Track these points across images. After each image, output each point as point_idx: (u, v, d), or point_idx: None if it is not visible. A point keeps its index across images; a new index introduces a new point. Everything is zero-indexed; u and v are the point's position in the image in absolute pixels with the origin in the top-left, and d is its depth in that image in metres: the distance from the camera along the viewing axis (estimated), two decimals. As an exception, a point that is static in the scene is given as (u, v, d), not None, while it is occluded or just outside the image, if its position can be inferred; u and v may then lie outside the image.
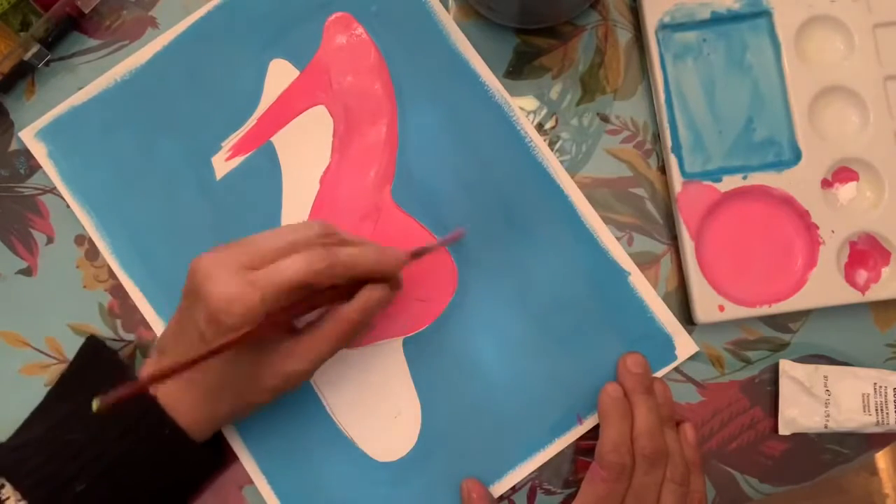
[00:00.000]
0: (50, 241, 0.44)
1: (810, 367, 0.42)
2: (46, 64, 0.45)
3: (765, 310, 0.41)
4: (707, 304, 0.41)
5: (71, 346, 0.43)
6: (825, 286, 0.41)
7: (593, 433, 0.42)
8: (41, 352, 0.43)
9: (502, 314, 0.42)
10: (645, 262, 0.43)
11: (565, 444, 0.42)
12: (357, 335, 0.37)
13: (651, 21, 0.43)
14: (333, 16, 0.45)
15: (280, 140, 0.44)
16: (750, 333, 0.43)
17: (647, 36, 0.43)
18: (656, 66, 0.43)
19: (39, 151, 0.44)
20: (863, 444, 0.43)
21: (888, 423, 0.41)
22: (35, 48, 0.43)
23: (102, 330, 0.43)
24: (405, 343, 0.42)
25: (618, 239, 0.43)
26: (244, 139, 0.44)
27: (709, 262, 0.42)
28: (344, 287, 0.36)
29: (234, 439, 0.42)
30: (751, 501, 0.43)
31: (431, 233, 0.43)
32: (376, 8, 0.44)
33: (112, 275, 0.43)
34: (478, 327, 0.42)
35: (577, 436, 0.42)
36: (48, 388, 0.42)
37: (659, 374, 0.42)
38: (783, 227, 0.42)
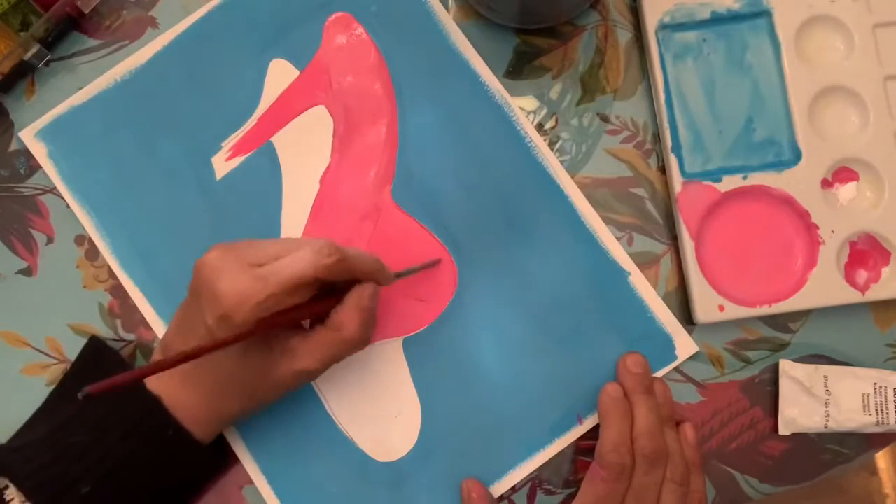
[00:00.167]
0: (50, 241, 0.44)
1: (810, 367, 0.42)
2: (46, 64, 0.45)
3: (765, 310, 0.41)
4: (707, 304, 0.41)
5: (71, 347, 0.43)
6: (825, 286, 0.41)
7: (593, 433, 0.42)
8: (41, 352, 0.43)
9: (502, 314, 0.42)
10: (645, 262, 0.43)
11: (565, 444, 0.42)
12: (366, 336, 0.36)
13: (651, 21, 0.43)
14: (333, 16, 0.45)
15: (280, 140, 0.44)
16: (750, 333, 0.43)
17: (647, 36, 0.43)
18: (656, 66, 0.43)
19: (39, 151, 0.44)
20: (863, 444, 0.43)
21: (888, 423, 0.41)
22: (35, 48, 0.43)
23: (102, 330, 0.43)
24: (405, 343, 0.42)
25: (618, 239, 0.43)
26: (244, 139, 0.44)
27: (709, 262, 0.42)
28: (335, 299, 0.36)
29: (234, 440, 0.42)
30: (751, 501, 0.43)
31: (431, 233, 0.43)
32: (376, 8, 0.44)
33: (112, 275, 0.43)
34: (478, 327, 0.42)
35: (577, 436, 0.42)
36: (49, 389, 0.42)
37: (659, 374, 0.42)
38: (783, 227, 0.42)
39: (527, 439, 0.42)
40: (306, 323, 0.38)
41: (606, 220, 0.43)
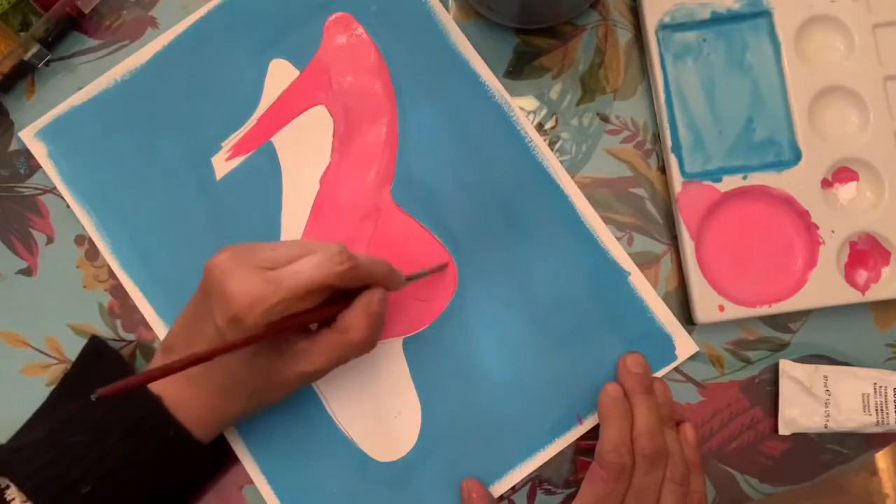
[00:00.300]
0: (50, 241, 0.44)
1: (810, 367, 0.42)
2: (46, 64, 0.45)
3: (765, 310, 0.41)
4: (707, 304, 0.41)
5: (71, 346, 0.43)
6: (825, 286, 0.41)
7: (593, 433, 0.42)
8: (41, 352, 0.43)
9: (502, 314, 0.42)
10: (645, 262, 0.43)
11: (565, 444, 0.42)
12: (373, 340, 0.36)
13: (651, 21, 0.43)
14: (333, 16, 0.45)
15: (280, 140, 0.44)
16: (750, 333, 0.43)
17: (647, 36, 0.43)
18: (656, 66, 0.43)
19: (39, 151, 0.44)
20: (863, 444, 0.43)
21: (888, 423, 0.41)
22: (35, 48, 0.43)
23: (102, 330, 0.43)
24: (405, 343, 0.42)
25: (618, 239, 0.43)
26: (244, 139, 0.44)
27: (709, 262, 0.42)
28: (344, 304, 0.36)
29: (234, 440, 0.42)
30: (751, 501, 0.43)
31: (431, 233, 0.43)
32: (376, 8, 0.44)
33: (112, 275, 0.43)
34: (478, 327, 0.42)
35: (577, 436, 0.42)
36: (49, 389, 0.42)
37: (659, 374, 0.42)
38: (783, 227, 0.42)
39: (527, 439, 0.42)
40: (313, 325, 0.38)
41: (606, 220, 0.43)
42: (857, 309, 0.43)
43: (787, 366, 0.42)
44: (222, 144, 0.44)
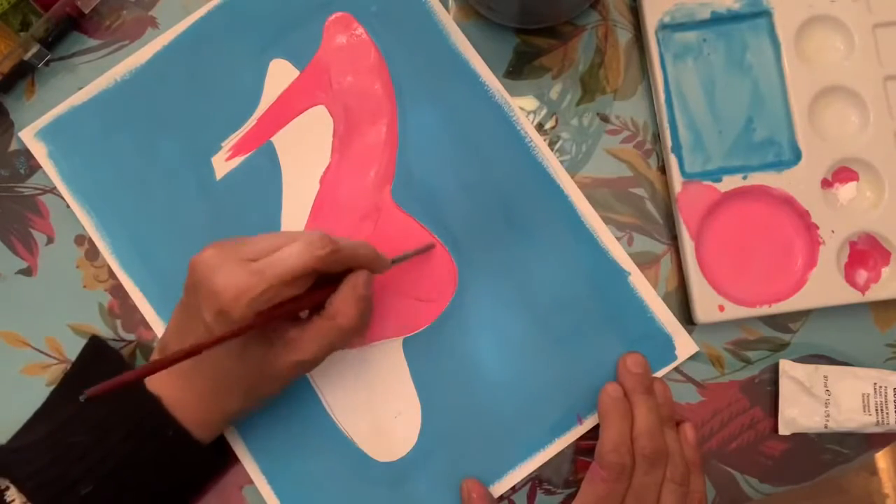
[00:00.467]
0: (50, 241, 0.44)
1: (810, 367, 0.42)
2: (46, 64, 0.45)
3: (765, 310, 0.41)
4: (707, 304, 0.41)
5: (71, 347, 0.43)
6: (825, 286, 0.41)
7: (593, 433, 0.42)
8: (41, 352, 0.43)
9: (502, 314, 0.42)
10: (645, 262, 0.43)
11: (565, 444, 0.42)
12: (363, 324, 0.37)
13: (651, 21, 0.43)
14: (333, 16, 0.45)
15: (280, 140, 0.44)
16: (750, 333, 0.43)
17: (647, 36, 0.43)
18: (656, 66, 0.43)
19: (39, 151, 0.44)
20: (863, 444, 0.43)
21: (888, 423, 0.41)
22: (35, 48, 0.43)
23: (102, 330, 0.43)
24: (405, 343, 0.42)
25: (618, 239, 0.43)
26: (244, 139, 0.44)
27: (709, 262, 0.42)
28: (331, 289, 0.36)
29: (234, 439, 0.42)
30: (751, 501, 0.43)
31: (431, 233, 0.43)
32: (376, 8, 0.44)
33: (112, 275, 0.43)
34: (478, 327, 0.42)
35: (577, 436, 0.42)
36: (49, 389, 0.42)
37: (659, 374, 0.42)
38: (783, 227, 0.42)
39: (527, 439, 0.42)
40: (304, 313, 0.38)
41: (606, 220, 0.43)
42: (857, 309, 0.43)
43: (787, 366, 0.42)
44: (222, 144, 0.44)
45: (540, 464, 0.42)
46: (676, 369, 0.43)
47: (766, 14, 0.43)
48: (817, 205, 0.41)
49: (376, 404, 0.42)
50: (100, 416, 0.35)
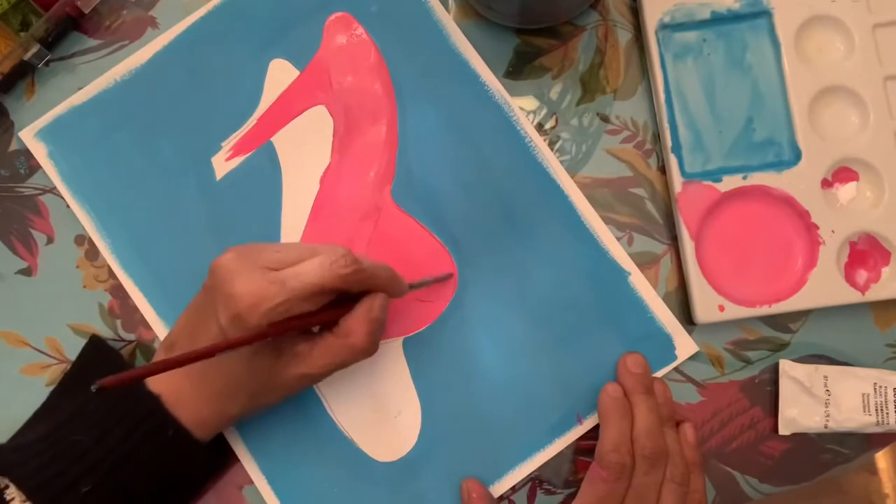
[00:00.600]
0: (50, 241, 0.44)
1: (810, 367, 0.42)
2: (46, 64, 0.45)
3: (765, 310, 0.41)
4: (707, 304, 0.41)
5: (71, 347, 0.43)
6: (825, 286, 0.41)
7: (593, 433, 0.42)
8: (41, 352, 0.43)
9: (502, 314, 0.42)
10: (645, 262, 0.43)
11: (565, 444, 0.42)
12: (373, 346, 0.36)
13: (651, 21, 0.43)
14: (333, 16, 0.45)
15: (280, 140, 0.44)
16: (750, 333, 0.43)
17: (647, 36, 0.43)
18: (656, 66, 0.43)
19: (39, 151, 0.44)
20: (863, 444, 0.43)
21: (888, 423, 0.41)
22: (35, 48, 0.43)
23: (102, 330, 0.43)
24: (405, 343, 0.42)
25: (618, 239, 0.43)
26: (244, 139, 0.44)
27: (709, 262, 0.42)
28: (346, 308, 0.36)
29: (234, 439, 0.42)
30: (751, 501, 0.43)
31: (431, 233, 0.43)
32: (376, 8, 0.44)
33: (112, 275, 0.43)
34: (478, 327, 0.42)
35: (577, 436, 0.42)
36: (49, 389, 0.42)
37: (659, 374, 0.42)
38: (783, 227, 0.42)
39: (527, 439, 0.42)
40: (316, 328, 0.38)
41: (606, 220, 0.43)
42: (857, 309, 0.43)
43: (787, 366, 0.42)
44: (222, 144, 0.44)
45: (540, 464, 0.42)
46: (676, 369, 0.43)
47: (766, 14, 0.43)
48: (817, 205, 0.41)
49: (376, 404, 0.42)
50: (100, 416, 0.35)
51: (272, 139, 0.44)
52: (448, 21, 0.44)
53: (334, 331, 0.36)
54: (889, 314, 0.43)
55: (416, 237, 0.43)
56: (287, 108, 0.44)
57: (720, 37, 0.43)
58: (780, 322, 0.43)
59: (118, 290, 0.43)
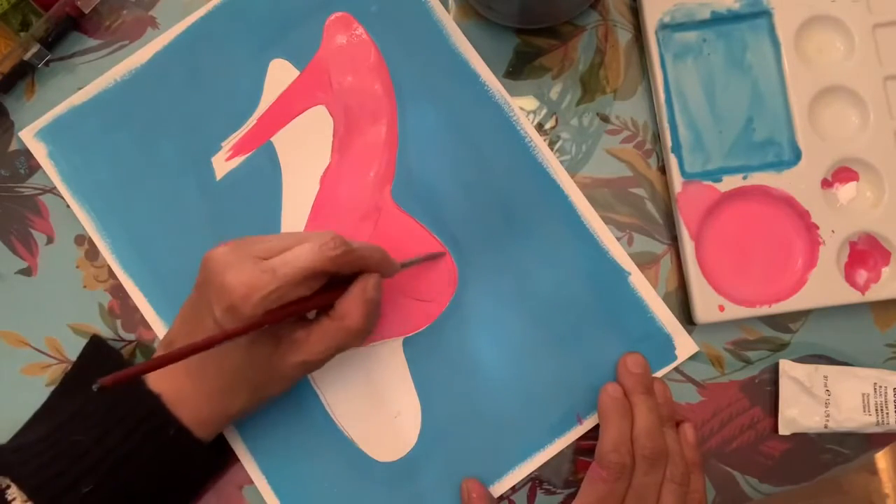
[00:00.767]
0: (50, 241, 0.44)
1: (810, 367, 0.42)
2: (46, 64, 0.45)
3: (765, 310, 0.41)
4: (707, 304, 0.41)
5: (71, 347, 0.43)
6: (825, 286, 0.41)
7: (593, 433, 0.42)
8: (41, 352, 0.43)
9: (502, 314, 0.42)
10: (645, 262, 0.43)
11: (565, 444, 0.42)
12: (370, 327, 0.37)
13: (651, 21, 0.43)
14: (333, 16, 0.45)
15: (280, 140, 0.44)
16: (750, 333, 0.43)
17: (647, 36, 0.43)
18: (656, 66, 0.43)
19: (39, 151, 0.44)
20: (863, 444, 0.43)
21: (888, 423, 0.41)
22: (35, 48, 0.43)
23: (102, 330, 0.43)
24: (405, 343, 0.42)
25: (618, 239, 0.43)
26: (244, 139, 0.44)
27: (709, 262, 0.42)
28: (340, 290, 0.36)
29: (234, 439, 0.42)
30: (751, 501, 0.43)
31: (431, 232, 0.43)
32: (376, 8, 0.44)
33: (112, 275, 0.43)
34: (478, 327, 0.42)
35: (577, 436, 0.42)
36: (49, 389, 0.42)
37: (659, 374, 0.42)
38: (783, 227, 0.42)
39: (527, 439, 0.42)
40: (312, 314, 0.38)
41: (606, 220, 0.43)
42: (857, 309, 0.43)
43: (787, 366, 0.42)
44: (222, 144, 0.44)
45: (540, 464, 0.42)
46: (676, 369, 0.43)
47: (766, 14, 0.43)
48: (817, 205, 0.41)
49: (376, 404, 0.42)
50: (100, 415, 0.35)
51: (272, 139, 0.44)
52: (448, 21, 0.44)
53: (330, 314, 0.36)
54: (889, 314, 0.43)
55: (416, 237, 0.43)
56: (287, 108, 0.44)
57: (720, 37, 0.43)
58: (780, 322, 0.43)
59: (118, 290, 0.43)
